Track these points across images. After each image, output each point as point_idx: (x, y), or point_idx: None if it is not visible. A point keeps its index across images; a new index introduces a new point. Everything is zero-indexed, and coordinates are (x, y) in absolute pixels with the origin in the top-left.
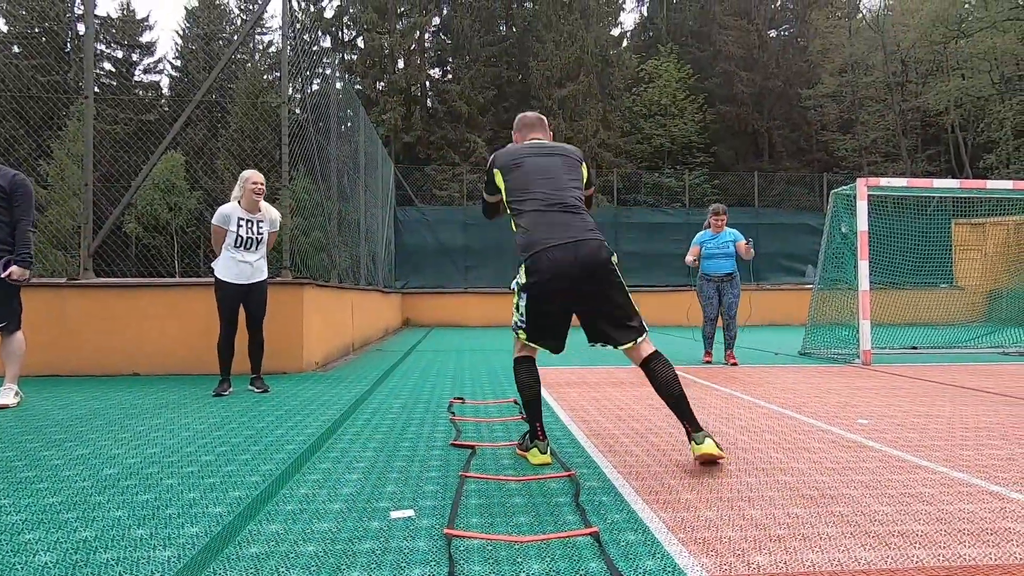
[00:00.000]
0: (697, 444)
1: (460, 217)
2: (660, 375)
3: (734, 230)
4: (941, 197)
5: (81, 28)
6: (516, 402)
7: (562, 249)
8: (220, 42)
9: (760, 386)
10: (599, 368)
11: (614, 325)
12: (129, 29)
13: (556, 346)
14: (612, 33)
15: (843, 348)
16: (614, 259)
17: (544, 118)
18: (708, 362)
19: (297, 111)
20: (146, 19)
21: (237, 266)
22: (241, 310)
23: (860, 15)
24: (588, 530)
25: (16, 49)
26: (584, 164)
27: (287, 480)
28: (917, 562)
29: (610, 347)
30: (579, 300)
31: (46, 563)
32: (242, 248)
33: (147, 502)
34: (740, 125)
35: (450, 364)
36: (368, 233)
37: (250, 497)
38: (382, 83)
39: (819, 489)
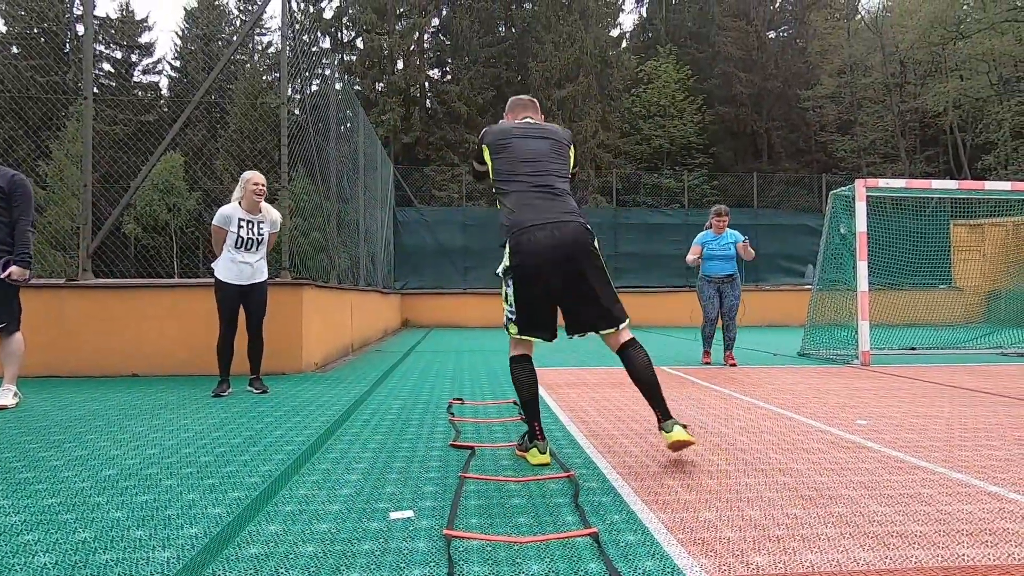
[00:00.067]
0: (667, 432)
1: (459, 218)
2: (636, 362)
3: (734, 231)
4: (939, 198)
5: (80, 29)
6: (515, 403)
7: (543, 230)
8: (219, 43)
9: (759, 387)
10: (598, 369)
11: (595, 310)
12: (128, 30)
13: (547, 335)
14: (611, 34)
15: (842, 349)
16: (596, 243)
17: (536, 101)
18: (707, 363)
19: (296, 112)
20: (145, 20)
21: (237, 267)
22: (241, 311)
23: (859, 16)
24: (587, 531)
25: (15, 50)
26: (572, 147)
27: (286, 481)
28: (916, 562)
29: (589, 335)
30: (561, 283)
31: (45, 564)
32: (243, 249)
33: (146, 503)
34: (739, 126)
35: (449, 365)
36: (367, 234)
37: (249, 498)
38: (381, 84)
39: (818, 490)
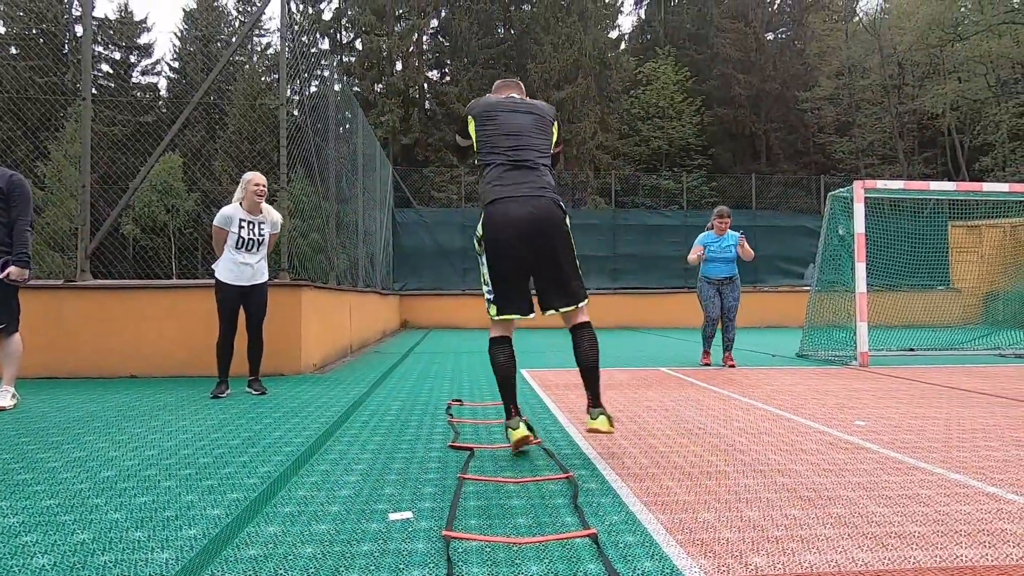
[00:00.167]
0: (592, 419)
1: (458, 219)
2: (584, 344)
3: (733, 232)
4: (937, 200)
5: (79, 29)
6: None
7: (517, 202)
8: (218, 44)
9: (758, 388)
10: None
11: (558, 287)
12: (127, 31)
13: (522, 310)
14: (610, 36)
15: (840, 350)
16: (568, 220)
17: (520, 82)
18: (707, 364)
19: (295, 113)
20: (144, 21)
21: (238, 268)
22: (241, 312)
23: (857, 18)
24: (586, 532)
25: (14, 50)
26: (556, 123)
27: (285, 482)
28: (914, 563)
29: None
30: (532, 255)
31: (44, 565)
32: (243, 249)
33: (145, 504)
34: (737, 127)
35: (448, 366)
36: (366, 235)
37: (248, 499)
38: (380, 85)
39: (816, 490)
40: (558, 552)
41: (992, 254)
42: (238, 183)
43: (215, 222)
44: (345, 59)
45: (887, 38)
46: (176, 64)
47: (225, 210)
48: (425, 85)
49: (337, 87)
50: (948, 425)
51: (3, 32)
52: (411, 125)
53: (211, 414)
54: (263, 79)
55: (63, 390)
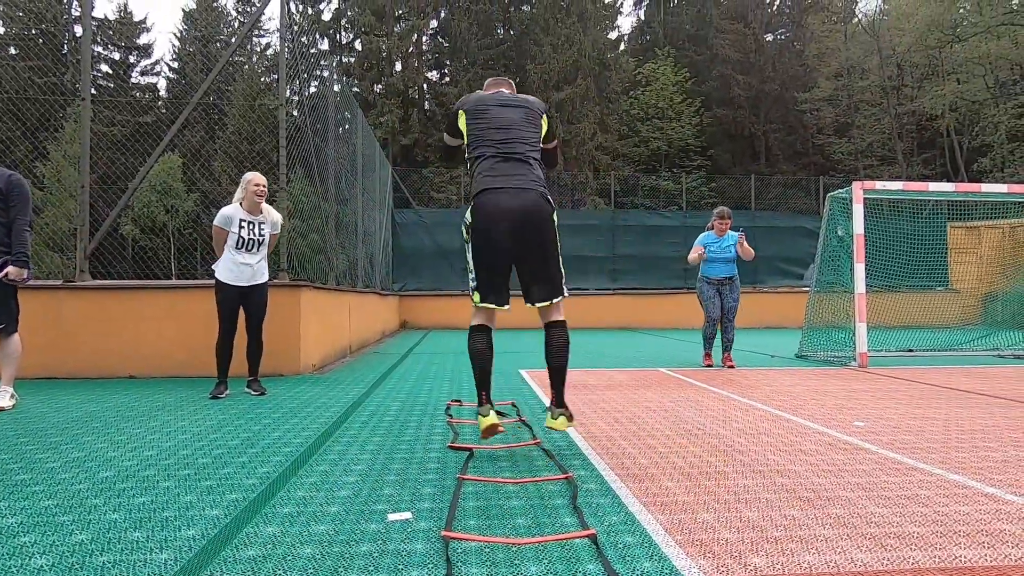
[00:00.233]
0: (552, 419)
1: (457, 220)
2: (556, 342)
3: (733, 232)
4: (936, 201)
5: (78, 29)
6: (514, 404)
7: (507, 193)
8: (218, 44)
9: (757, 388)
10: (596, 371)
11: (538, 280)
12: (126, 31)
13: (499, 300)
14: (609, 37)
15: (839, 351)
16: (555, 216)
17: (511, 81)
18: (709, 365)
19: (295, 113)
20: (143, 21)
21: (238, 268)
22: (241, 312)
23: (856, 19)
24: (585, 532)
25: (13, 51)
26: (545, 116)
27: (284, 483)
28: (913, 564)
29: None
30: (519, 247)
31: (42, 566)
32: (243, 250)
33: (143, 505)
34: (737, 128)
35: (447, 366)
36: (366, 235)
37: (247, 500)
38: (380, 86)
39: (815, 491)
40: (557, 552)
41: (991, 255)
42: (237, 184)
43: (215, 222)
44: (344, 59)
45: (886, 39)
46: (175, 64)
47: (225, 210)
48: (424, 86)
49: (336, 88)
50: (947, 426)
51: (2, 32)
52: (410, 126)
53: (210, 415)
54: (262, 79)
55: (62, 390)
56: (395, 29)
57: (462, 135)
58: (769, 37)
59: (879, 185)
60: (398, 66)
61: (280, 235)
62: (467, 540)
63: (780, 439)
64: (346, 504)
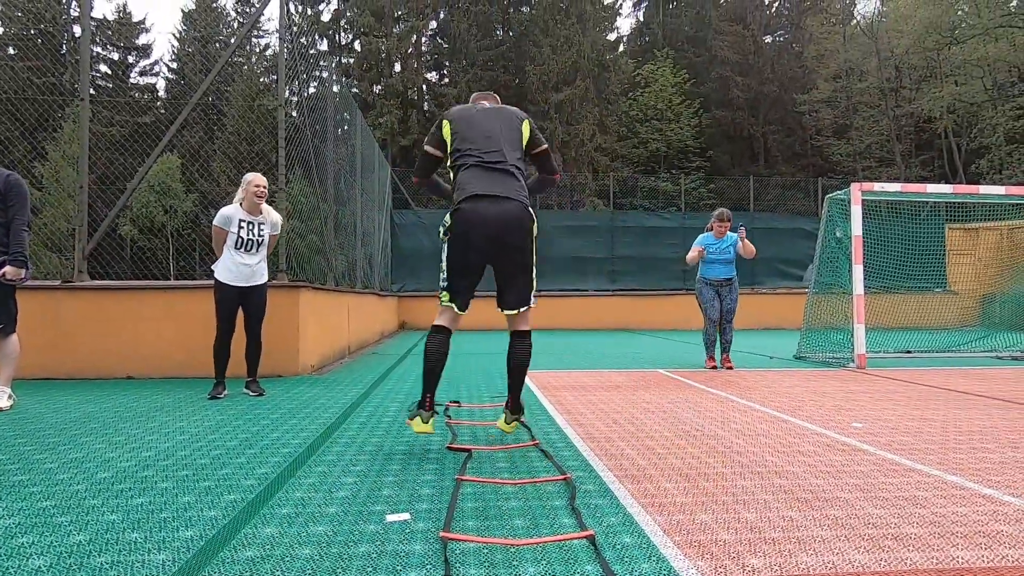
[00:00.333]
0: (505, 422)
1: None
2: (519, 352)
3: (732, 233)
4: (934, 202)
5: (77, 30)
6: None
7: (490, 200)
8: (217, 44)
9: (755, 390)
10: (595, 372)
11: (511, 289)
12: (125, 31)
13: (465, 304)
14: (608, 38)
15: (838, 352)
16: (535, 228)
17: (496, 95)
18: (713, 367)
19: (294, 114)
20: (142, 22)
21: (237, 268)
22: (240, 313)
23: (854, 21)
24: (584, 533)
25: (11, 51)
26: (527, 123)
27: (283, 484)
28: (911, 565)
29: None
30: (496, 255)
31: (40, 567)
32: (242, 250)
33: (142, 506)
34: (735, 130)
35: (446, 368)
36: (364, 236)
37: (245, 500)
38: (379, 86)
39: (814, 492)
40: (555, 553)
41: (989, 256)
42: (236, 184)
43: (215, 222)
44: (344, 60)
45: (884, 41)
46: (174, 65)
47: (225, 210)
48: (424, 87)
49: (336, 88)
50: (945, 427)
51: (1, 32)
52: (410, 127)
53: (208, 415)
54: (262, 80)
55: (60, 391)
56: (394, 30)
57: (446, 145)
58: (768, 39)
59: (877, 187)
60: (397, 67)
61: (279, 236)
62: (465, 541)
63: (778, 440)
64: (344, 505)
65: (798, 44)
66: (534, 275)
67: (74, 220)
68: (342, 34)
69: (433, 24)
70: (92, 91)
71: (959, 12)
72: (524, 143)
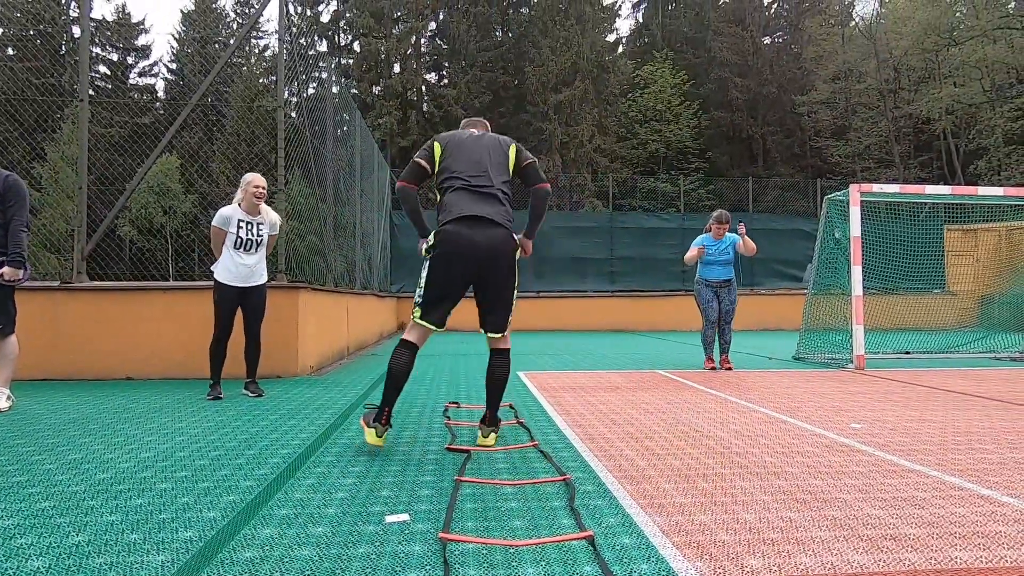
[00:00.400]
0: (483, 436)
1: None
2: (497, 370)
3: (731, 234)
4: (933, 203)
5: (76, 31)
6: (512, 406)
7: (475, 221)
8: (216, 45)
9: (754, 390)
10: (594, 373)
11: (493, 314)
12: (125, 32)
13: (440, 322)
14: (608, 39)
15: (837, 353)
16: (518, 254)
17: (486, 122)
18: (712, 368)
19: (293, 115)
20: (142, 22)
21: (237, 268)
22: (239, 313)
23: (853, 23)
24: (583, 534)
25: (10, 51)
26: (513, 147)
27: (282, 484)
28: (909, 565)
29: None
30: (478, 278)
31: (39, 568)
32: (241, 250)
33: (140, 506)
34: (734, 131)
35: (445, 368)
36: (364, 237)
37: (244, 501)
38: (378, 87)
39: (812, 493)
40: (555, 554)
41: (987, 257)
42: (236, 185)
43: (213, 222)
44: (343, 61)
45: (883, 43)
46: (174, 66)
47: (224, 210)
48: (423, 87)
49: (335, 89)
50: (944, 428)
51: (0, 33)
52: (409, 127)
53: (207, 416)
54: (261, 81)
55: (59, 392)
56: (394, 31)
57: (434, 163)
58: (767, 40)
59: (876, 188)
60: (396, 68)
61: (278, 236)
62: (465, 542)
63: (777, 441)
64: (344, 506)
65: (797, 45)
66: (514, 300)
67: (73, 221)
68: (341, 35)
69: (432, 25)
70: (91, 92)
71: (957, 14)
72: (511, 167)
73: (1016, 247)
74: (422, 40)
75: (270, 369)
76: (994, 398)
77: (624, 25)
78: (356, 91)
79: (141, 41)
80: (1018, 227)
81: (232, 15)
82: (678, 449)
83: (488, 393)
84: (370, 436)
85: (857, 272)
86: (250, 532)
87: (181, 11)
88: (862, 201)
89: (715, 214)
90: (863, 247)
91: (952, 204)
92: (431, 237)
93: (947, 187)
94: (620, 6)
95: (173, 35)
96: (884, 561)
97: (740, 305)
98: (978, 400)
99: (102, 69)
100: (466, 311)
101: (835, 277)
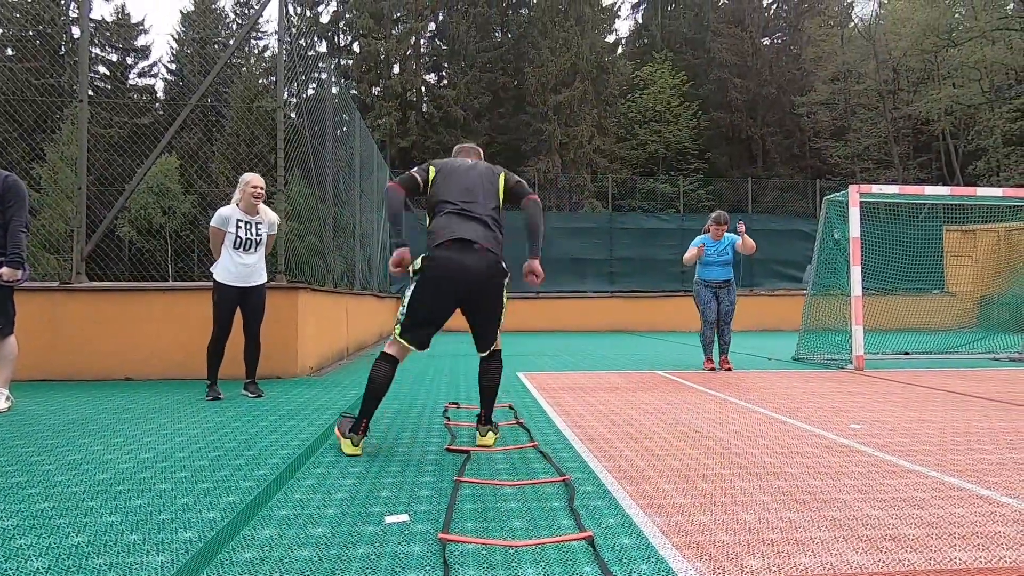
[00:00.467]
0: (481, 436)
1: None
2: (490, 372)
3: (730, 234)
4: (932, 204)
5: (76, 31)
6: (511, 407)
7: (464, 245)
8: (216, 46)
9: (754, 391)
10: (593, 374)
11: (483, 338)
12: (124, 32)
13: (424, 343)
14: (607, 40)
15: (836, 353)
16: (507, 281)
17: (480, 150)
18: (712, 368)
19: (293, 115)
20: (141, 23)
21: (236, 268)
22: (239, 314)
23: (852, 24)
24: (582, 534)
25: (10, 52)
26: (503, 174)
27: (281, 485)
28: (908, 566)
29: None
30: (467, 301)
31: (38, 569)
32: (240, 249)
33: (140, 507)
34: (734, 132)
35: (445, 369)
36: (363, 237)
37: (244, 502)
38: (378, 88)
39: (812, 493)
40: (554, 555)
41: (986, 258)
42: (235, 186)
43: (212, 222)
44: (343, 62)
45: (882, 43)
46: (173, 66)
47: (222, 210)
48: (423, 88)
49: (335, 90)
50: (943, 428)
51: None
52: (408, 128)
53: (207, 417)
54: (260, 82)
55: (58, 393)
56: (393, 32)
57: (427, 183)
58: (766, 41)
59: (875, 188)
60: (396, 69)
61: (277, 237)
62: (464, 542)
63: (776, 441)
64: (343, 506)
65: (796, 46)
66: (501, 321)
67: (72, 221)
68: (341, 36)
69: (432, 26)
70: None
71: (956, 15)
72: (501, 192)
73: (1015, 248)
74: (422, 41)
75: (269, 370)
76: (993, 399)
77: (623, 26)
78: (356, 92)
79: (140, 42)
80: (1017, 228)
81: (232, 16)
82: (677, 450)
83: (481, 396)
84: (347, 447)
85: (856, 273)
86: (250, 533)
87: (181, 12)
88: (861, 202)
89: (713, 215)
90: (862, 248)
91: (951, 205)
92: (419, 260)
93: (946, 188)
94: (619, 7)
95: (172, 36)
96: (883, 561)
97: (739, 306)
98: (977, 401)
99: (101, 69)
100: (462, 312)
101: (834, 278)
